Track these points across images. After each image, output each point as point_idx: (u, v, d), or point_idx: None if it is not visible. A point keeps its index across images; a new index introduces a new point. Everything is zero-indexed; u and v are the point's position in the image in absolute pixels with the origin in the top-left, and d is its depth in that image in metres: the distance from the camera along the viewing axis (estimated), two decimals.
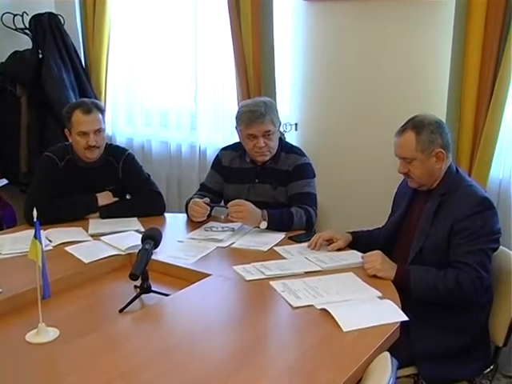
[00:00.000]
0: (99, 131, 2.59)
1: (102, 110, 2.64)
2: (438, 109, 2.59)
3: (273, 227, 2.40)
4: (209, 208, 2.50)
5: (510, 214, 2.67)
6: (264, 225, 2.39)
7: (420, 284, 1.91)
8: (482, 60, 2.55)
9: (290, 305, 1.71)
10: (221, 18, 3.33)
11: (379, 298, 1.77)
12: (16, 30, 3.75)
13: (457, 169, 2.12)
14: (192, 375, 1.36)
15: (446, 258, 1.97)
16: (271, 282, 1.87)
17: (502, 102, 2.51)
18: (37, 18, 3.71)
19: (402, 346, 1.65)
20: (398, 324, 1.61)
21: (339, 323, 1.58)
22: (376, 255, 1.98)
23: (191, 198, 2.59)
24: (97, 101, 2.77)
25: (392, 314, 1.66)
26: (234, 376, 1.35)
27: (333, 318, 1.61)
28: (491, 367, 2.02)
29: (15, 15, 3.73)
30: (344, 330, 1.55)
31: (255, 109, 2.49)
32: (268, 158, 2.58)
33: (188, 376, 1.35)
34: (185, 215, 2.65)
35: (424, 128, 2.02)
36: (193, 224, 2.53)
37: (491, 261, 1.97)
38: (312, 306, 1.70)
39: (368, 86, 3.06)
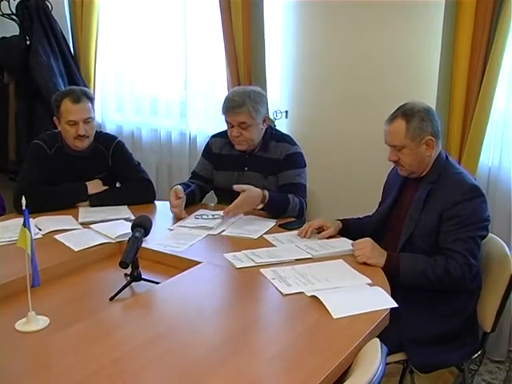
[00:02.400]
0: (88, 120, 2.56)
1: (91, 99, 2.61)
2: (428, 96, 2.60)
3: (269, 207, 2.42)
4: (181, 197, 2.47)
5: (498, 201, 2.69)
6: (260, 206, 2.41)
7: (409, 270, 1.92)
8: (471, 48, 2.55)
9: (280, 292, 1.72)
10: (211, 5, 3.30)
11: (369, 284, 1.78)
12: (2, 15, 3.70)
13: (446, 156, 2.13)
14: (183, 362, 1.36)
15: (436, 245, 1.99)
16: (261, 270, 1.88)
17: (492, 89, 2.52)
18: (24, 4, 3.65)
19: (392, 332, 1.66)
20: (388, 311, 1.62)
21: (329, 310, 1.58)
22: (366, 242, 1.99)
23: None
24: (86, 89, 2.73)
25: (382, 300, 1.67)
26: (225, 362, 1.36)
27: (323, 304, 1.61)
28: (479, 352, 2.05)
29: (1, 0, 3.67)
30: (334, 317, 1.56)
31: (235, 98, 2.49)
32: (244, 147, 2.57)
33: (179, 363, 1.36)
34: None
35: (414, 116, 2.02)
36: None
37: (480, 248, 1.98)
38: (302, 293, 1.71)
39: (358, 75, 3.05)
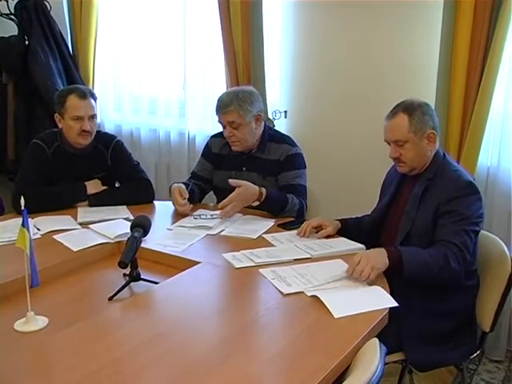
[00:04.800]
0: (93, 117, 2.58)
1: (95, 98, 2.63)
2: (427, 96, 2.59)
3: (266, 204, 2.42)
4: (186, 197, 2.47)
5: (497, 200, 2.69)
6: (256, 203, 2.41)
7: (412, 263, 1.87)
8: (470, 48, 2.55)
9: (280, 292, 1.72)
10: (210, 5, 3.30)
11: (369, 284, 1.77)
12: (1, 15, 3.70)
13: (444, 154, 2.13)
14: (182, 362, 1.36)
15: (432, 241, 1.97)
16: (261, 270, 1.88)
17: (491, 89, 2.52)
18: (22, 4, 3.65)
19: (391, 332, 1.66)
20: (387, 310, 1.62)
21: (330, 310, 1.58)
22: (357, 257, 1.81)
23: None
24: (90, 88, 2.75)
25: (382, 299, 1.67)
26: (224, 362, 1.36)
27: (322, 304, 1.61)
28: (478, 352, 2.04)
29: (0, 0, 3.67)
30: (335, 317, 1.56)
31: (223, 98, 2.52)
32: (239, 148, 2.57)
33: (178, 363, 1.36)
34: None
35: (416, 110, 2.03)
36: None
37: (473, 243, 1.97)
38: (302, 292, 1.70)
39: (357, 74, 3.05)
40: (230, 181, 2.39)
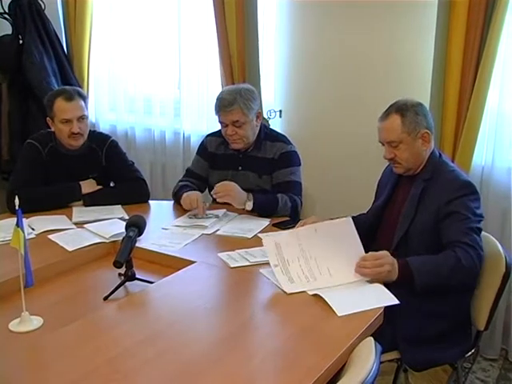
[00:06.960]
0: (82, 118, 2.56)
1: (84, 97, 2.61)
2: (422, 95, 2.60)
3: (257, 210, 2.42)
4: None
5: (492, 200, 2.70)
6: (249, 206, 2.40)
7: (422, 271, 1.83)
8: (464, 48, 2.56)
9: (283, 291, 1.71)
10: (205, 4, 3.30)
11: (368, 282, 1.77)
12: None
13: (440, 154, 2.14)
14: (178, 362, 1.36)
15: (431, 242, 1.97)
16: (261, 270, 1.87)
17: (485, 89, 2.52)
18: (16, 3, 3.64)
19: (386, 331, 1.66)
20: (382, 309, 1.62)
21: (333, 308, 1.58)
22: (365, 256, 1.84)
23: (180, 186, 2.60)
24: (78, 88, 2.74)
25: (383, 297, 1.67)
26: (220, 362, 1.36)
27: (318, 303, 1.62)
28: (473, 350, 2.05)
29: None
30: (339, 315, 1.56)
31: (225, 97, 2.49)
32: (241, 146, 2.57)
33: (174, 362, 1.35)
34: (169, 202, 2.66)
35: (408, 110, 2.03)
36: (177, 211, 2.53)
37: (481, 240, 1.96)
38: (304, 292, 1.70)
39: (352, 74, 3.06)
40: (217, 185, 2.41)
